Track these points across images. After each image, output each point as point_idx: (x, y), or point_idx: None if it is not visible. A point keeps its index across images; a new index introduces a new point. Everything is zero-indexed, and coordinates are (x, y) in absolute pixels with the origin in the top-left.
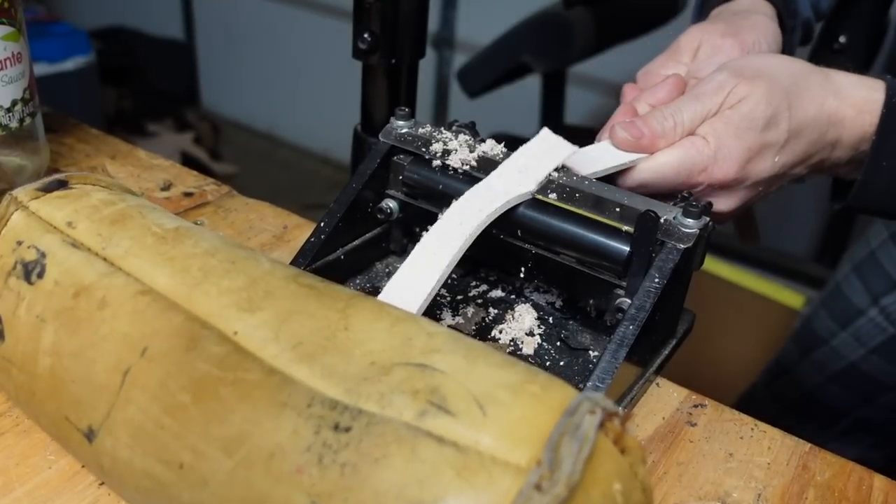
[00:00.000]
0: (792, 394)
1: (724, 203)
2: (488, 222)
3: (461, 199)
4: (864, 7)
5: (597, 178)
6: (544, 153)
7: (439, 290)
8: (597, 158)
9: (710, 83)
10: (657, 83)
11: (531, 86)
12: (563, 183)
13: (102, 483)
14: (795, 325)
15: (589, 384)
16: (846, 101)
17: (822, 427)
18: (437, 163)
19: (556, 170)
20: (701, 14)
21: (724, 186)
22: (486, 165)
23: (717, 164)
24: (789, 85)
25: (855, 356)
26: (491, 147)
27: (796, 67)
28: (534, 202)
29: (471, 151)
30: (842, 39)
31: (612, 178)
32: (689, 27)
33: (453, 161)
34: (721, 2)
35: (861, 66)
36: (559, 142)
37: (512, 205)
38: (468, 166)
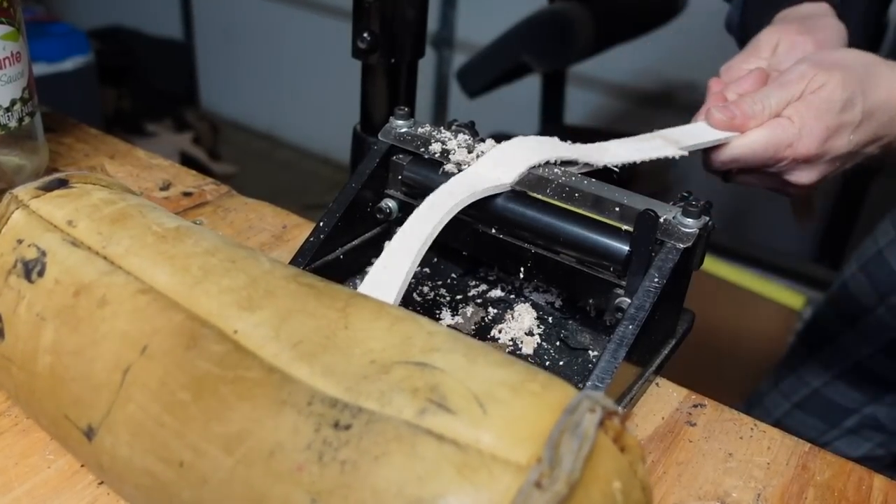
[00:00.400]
0: (799, 392)
1: (805, 176)
2: (458, 209)
3: (437, 189)
4: (862, 6)
5: (687, 150)
6: (529, 147)
7: (438, 290)
8: (695, 135)
9: (793, 73)
10: (742, 76)
11: (531, 86)
12: (562, 182)
13: (101, 482)
14: (801, 324)
15: (588, 384)
16: None
17: (831, 425)
18: (436, 155)
19: (556, 166)
20: (743, 25)
21: (806, 161)
22: None
23: (801, 141)
24: (862, 73)
25: (862, 354)
26: (490, 147)
27: (867, 59)
28: (534, 202)
29: (469, 151)
30: None
31: (707, 153)
32: (764, 29)
33: (450, 166)
34: (776, 10)
35: None
36: (549, 140)
37: (487, 194)
38: (467, 166)
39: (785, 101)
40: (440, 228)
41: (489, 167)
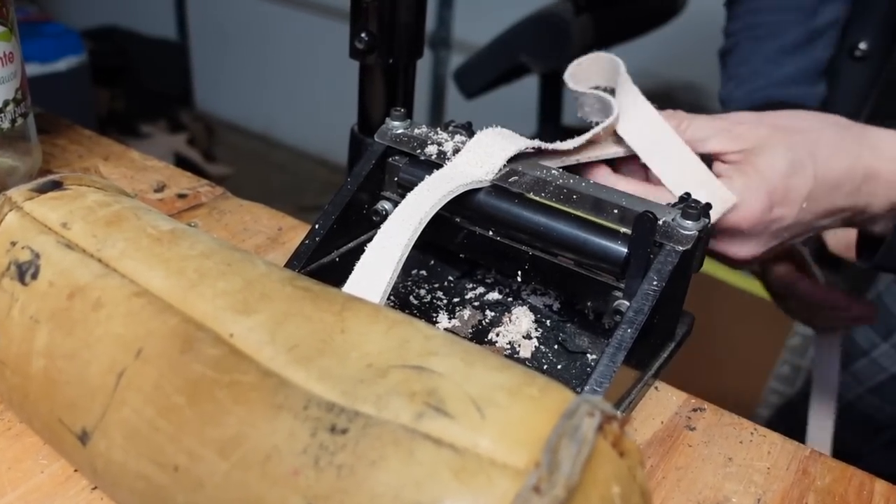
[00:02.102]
0: None
1: (744, 249)
2: (440, 205)
3: (420, 185)
4: (881, 13)
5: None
6: (505, 140)
7: (435, 293)
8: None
9: (741, 126)
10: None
11: (529, 86)
12: (560, 184)
13: (95, 487)
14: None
15: (587, 388)
16: (882, 157)
17: (864, 440)
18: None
19: (555, 170)
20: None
21: (747, 231)
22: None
23: (741, 208)
24: (817, 138)
25: None
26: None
27: (829, 122)
28: (531, 203)
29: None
30: (862, 46)
31: None
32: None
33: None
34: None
35: (880, 71)
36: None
37: (468, 188)
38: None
39: (722, 148)
40: (423, 226)
41: (468, 161)
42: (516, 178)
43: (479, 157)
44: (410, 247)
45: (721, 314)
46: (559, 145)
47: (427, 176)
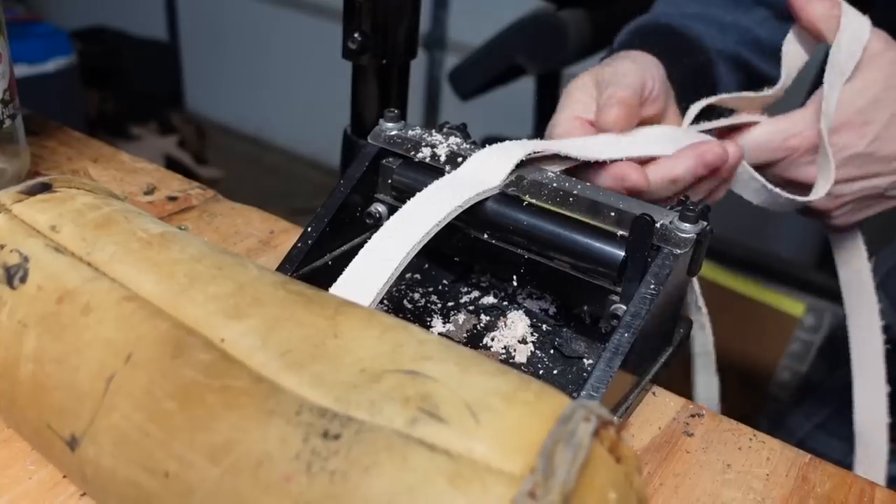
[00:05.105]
0: (821, 412)
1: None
2: (450, 218)
3: (424, 191)
4: (873, 10)
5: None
6: (512, 148)
7: (430, 297)
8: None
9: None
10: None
11: (524, 88)
12: (556, 186)
13: (84, 494)
14: (821, 340)
15: (583, 393)
16: None
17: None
18: (421, 156)
19: (553, 172)
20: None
21: (815, 148)
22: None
23: (809, 130)
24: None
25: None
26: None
27: None
28: (527, 206)
29: (461, 155)
30: None
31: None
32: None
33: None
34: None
35: None
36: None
37: (477, 200)
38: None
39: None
40: (429, 237)
41: (475, 170)
42: (513, 181)
43: (488, 164)
44: (411, 257)
45: (720, 319)
46: (558, 147)
47: (424, 179)
